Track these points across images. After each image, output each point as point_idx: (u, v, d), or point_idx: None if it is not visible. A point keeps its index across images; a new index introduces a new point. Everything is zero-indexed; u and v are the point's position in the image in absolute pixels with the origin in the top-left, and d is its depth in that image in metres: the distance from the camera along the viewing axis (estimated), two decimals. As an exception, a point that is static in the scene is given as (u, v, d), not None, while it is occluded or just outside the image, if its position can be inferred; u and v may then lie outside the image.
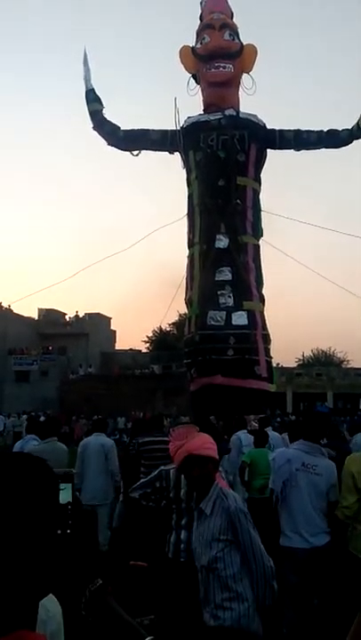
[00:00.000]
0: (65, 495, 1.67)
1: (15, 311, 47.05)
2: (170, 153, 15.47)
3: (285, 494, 4.43)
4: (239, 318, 13.74)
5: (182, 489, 4.09)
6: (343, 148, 15.60)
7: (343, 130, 15.22)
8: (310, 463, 4.44)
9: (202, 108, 15.39)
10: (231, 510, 3.04)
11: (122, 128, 15.51)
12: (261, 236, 15.08)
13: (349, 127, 15.13)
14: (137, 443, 7.29)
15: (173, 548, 4.11)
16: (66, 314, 54.17)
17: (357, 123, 14.85)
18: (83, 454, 7.82)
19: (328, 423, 10.16)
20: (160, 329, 52.81)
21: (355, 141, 15.34)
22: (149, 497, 4.30)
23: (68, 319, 53.81)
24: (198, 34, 15.49)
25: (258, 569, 2.99)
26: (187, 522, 4.08)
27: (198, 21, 15.78)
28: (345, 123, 15.45)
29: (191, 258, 14.80)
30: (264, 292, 14.71)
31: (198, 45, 15.31)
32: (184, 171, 15.30)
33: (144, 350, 55.47)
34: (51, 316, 53.12)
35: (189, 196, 15.16)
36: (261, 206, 15.15)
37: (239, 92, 15.42)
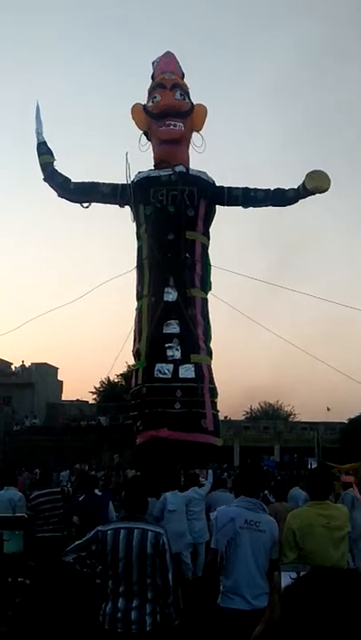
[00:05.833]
0: (13, 545, 1.57)
1: None
2: (120, 206, 15.61)
3: (229, 554, 4.32)
4: (186, 371, 13.71)
5: (120, 552, 3.81)
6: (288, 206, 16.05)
7: (290, 189, 15.62)
8: (253, 520, 4.35)
9: (152, 163, 15.67)
10: None
11: (73, 180, 15.65)
12: (210, 289, 15.23)
13: (295, 186, 15.57)
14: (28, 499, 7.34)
15: (110, 617, 3.81)
16: (12, 363, 53.16)
17: (303, 182, 15.30)
18: None
19: (269, 477, 10.13)
20: (108, 380, 52.15)
21: (301, 200, 15.80)
22: (84, 561, 3.93)
23: (13, 369, 52.78)
24: (150, 92, 15.88)
25: None
26: (125, 589, 3.81)
27: (150, 80, 16.22)
28: (292, 182, 15.88)
29: (139, 310, 14.80)
30: (212, 345, 14.79)
31: (150, 103, 15.67)
32: (133, 224, 15.45)
33: (91, 401, 54.60)
34: (-4, 366, 52.05)
35: (139, 249, 15.25)
36: (211, 261, 15.36)
37: (189, 150, 15.80)
